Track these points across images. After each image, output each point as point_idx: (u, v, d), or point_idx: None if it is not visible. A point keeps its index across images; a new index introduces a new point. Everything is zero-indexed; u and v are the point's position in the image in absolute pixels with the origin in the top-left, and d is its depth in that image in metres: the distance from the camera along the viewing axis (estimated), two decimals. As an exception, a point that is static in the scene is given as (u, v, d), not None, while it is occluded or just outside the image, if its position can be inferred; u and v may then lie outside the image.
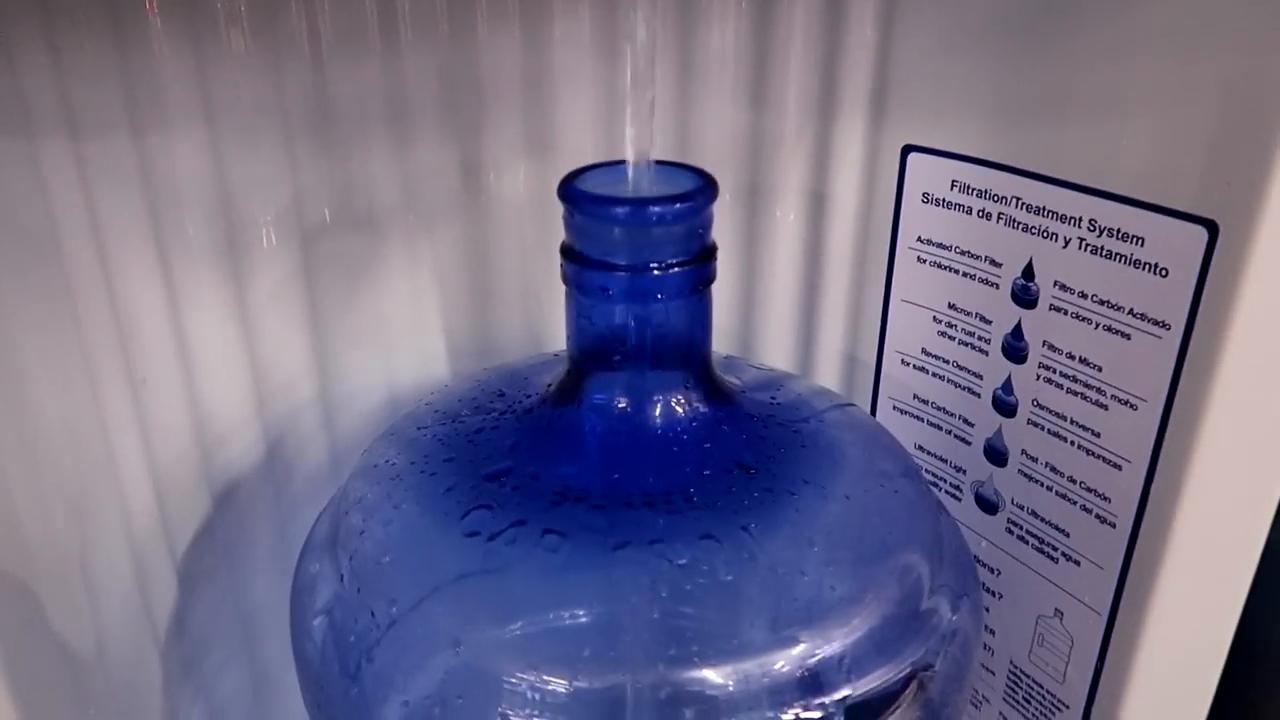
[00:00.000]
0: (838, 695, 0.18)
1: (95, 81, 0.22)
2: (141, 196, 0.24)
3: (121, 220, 0.23)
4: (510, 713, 0.18)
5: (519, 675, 0.18)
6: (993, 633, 0.30)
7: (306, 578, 0.22)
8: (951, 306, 0.29)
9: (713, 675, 0.18)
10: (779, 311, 0.33)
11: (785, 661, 0.18)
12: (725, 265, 0.31)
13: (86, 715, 0.22)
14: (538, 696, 0.18)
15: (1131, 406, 0.24)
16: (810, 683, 0.18)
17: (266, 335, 0.28)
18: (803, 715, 0.18)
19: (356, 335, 0.30)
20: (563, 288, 0.23)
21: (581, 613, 0.18)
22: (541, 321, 0.33)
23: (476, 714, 0.18)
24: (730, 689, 0.18)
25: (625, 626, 0.18)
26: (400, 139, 0.28)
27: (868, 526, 0.21)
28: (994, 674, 0.31)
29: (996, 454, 0.29)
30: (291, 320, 0.28)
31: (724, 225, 0.32)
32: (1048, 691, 0.29)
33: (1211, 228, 0.22)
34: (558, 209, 0.30)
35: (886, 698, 0.19)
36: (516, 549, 0.19)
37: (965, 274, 0.28)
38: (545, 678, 0.18)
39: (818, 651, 0.18)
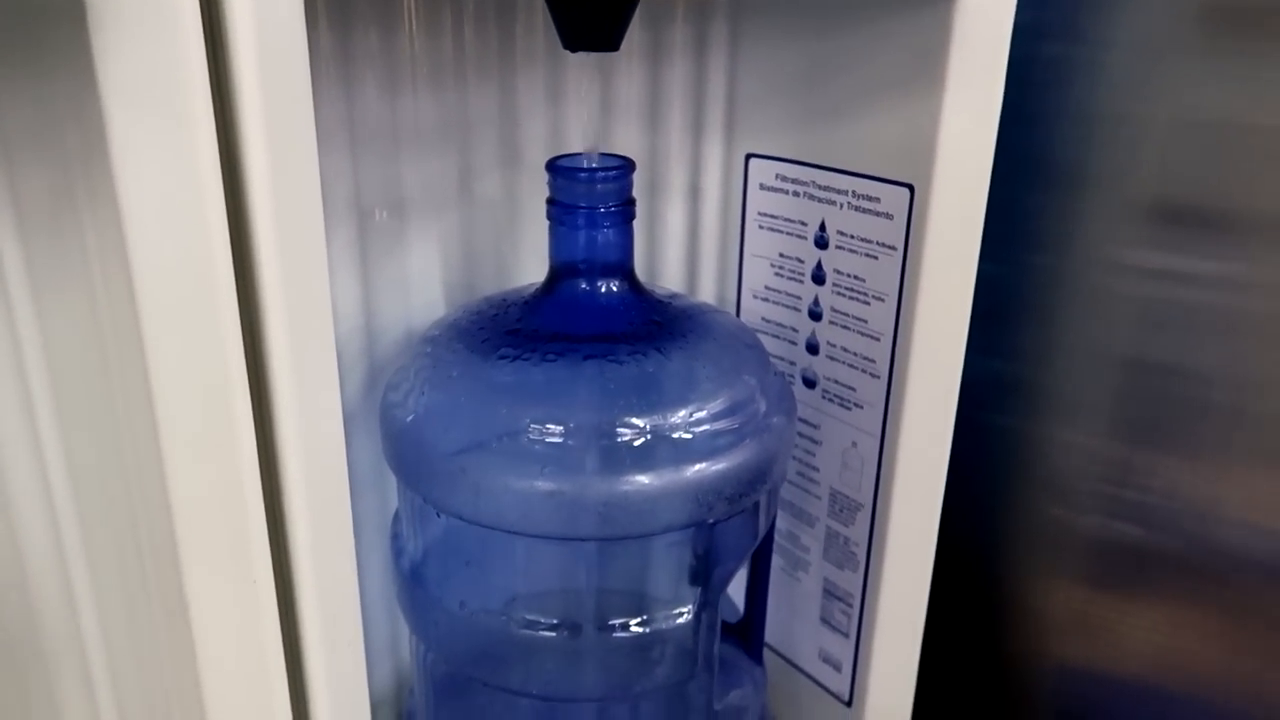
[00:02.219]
0: (705, 429, 0.34)
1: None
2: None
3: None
4: (533, 439, 0.32)
5: (535, 425, 0.33)
6: (817, 469, 0.46)
7: (392, 404, 0.36)
8: (781, 255, 0.45)
9: (639, 419, 0.33)
10: (671, 267, 0.49)
11: (679, 412, 0.33)
12: (636, 240, 0.46)
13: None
14: (547, 430, 0.32)
15: (882, 300, 0.41)
16: (691, 423, 0.33)
17: (336, 279, 0.42)
18: (684, 436, 0.33)
19: (388, 288, 0.44)
20: (525, 256, 0.38)
21: (568, 389, 0.33)
22: (510, 279, 0.48)
23: (514, 445, 0.33)
24: (649, 425, 0.33)
25: (594, 394, 0.33)
26: (417, 154, 0.43)
27: (726, 356, 0.37)
28: (820, 499, 0.46)
29: (812, 348, 0.45)
30: (349, 273, 0.43)
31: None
32: (851, 499, 0.45)
33: (911, 189, 0.38)
34: (524, 204, 0.46)
35: (734, 438, 0.35)
36: (530, 362, 0.34)
37: (787, 233, 0.44)
38: (548, 424, 0.33)
39: (696, 410, 0.34)
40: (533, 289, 0.38)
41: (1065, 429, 0.50)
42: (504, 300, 0.38)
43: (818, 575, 0.48)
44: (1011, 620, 0.55)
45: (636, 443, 0.32)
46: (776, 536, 0.48)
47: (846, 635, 0.47)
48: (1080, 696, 0.53)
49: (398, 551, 0.38)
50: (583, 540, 0.33)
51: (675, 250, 0.49)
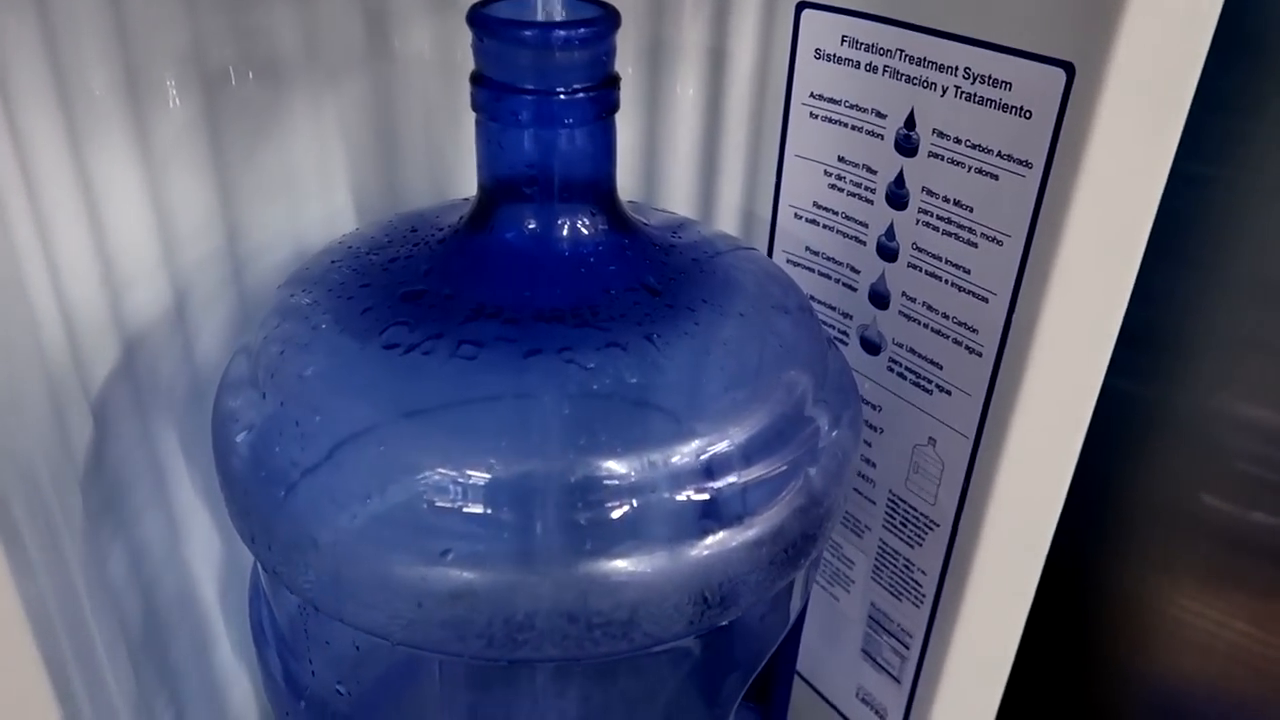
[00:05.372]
0: (728, 483, 0.20)
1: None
2: (39, 32, 0.23)
3: (20, 56, 0.23)
4: (435, 500, 0.19)
5: (440, 470, 0.19)
6: (873, 465, 0.33)
7: (226, 407, 0.23)
8: (841, 159, 0.30)
9: (617, 464, 0.19)
10: (679, 169, 0.34)
11: (682, 453, 0.20)
12: (627, 124, 0.32)
13: (19, 549, 0.23)
14: (458, 486, 0.19)
15: (998, 243, 0.27)
16: (704, 471, 0.20)
17: (171, 183, 0.28)
18: (696, 499, 0.20)
19: (262, 189, 0.30)
20: (468, 144, 0.24)
21: (497, 411, 0.20)
22: (447, 179, 0.33)
23: (403, 505, 0.19)
24: (633, 476, 0.19)
25: (537, 421, 0.19)
26: (299, -12, 0.28)
27: (759, 342, 0.23)
28: (874, 503, 0.33)
29: (879, 298, 0.31)
30: (196, 171, 0.28)
31: (626, 87, 0.33)
32: (921, 514, 0.32)
33: (1069, 69, 0.24)
34: (463, 66, 0.31)
35: (772, 489, 0.21)
36: (434, 359, 0.20)
37: (854, 127, 0.30)
38: (464, 470, 0.19)
39: (711, 445, 0.20)
40: (458, 215, 0.24)
41: (1218, 396, 0.36)
42: (412, 231, 0.24)
43: (862, 598, 0.35)
44: (1113, 627, 0.43)
45: (613, 510, 0.19)
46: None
47: (898, 680, 0.35)
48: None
49: (255, 620, 0.25)
50: (515, 664, 0.20)
51: (684, 144, 0.34)
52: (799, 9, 0.30)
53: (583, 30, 0.20)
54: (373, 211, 0.32)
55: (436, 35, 0.31)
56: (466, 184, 0.33)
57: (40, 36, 0.24)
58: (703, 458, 0.20)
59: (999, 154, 0.26)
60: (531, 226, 0.22)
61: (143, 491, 0.29)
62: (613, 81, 0.21)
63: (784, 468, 0.21)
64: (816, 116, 0.31)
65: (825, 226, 0.32)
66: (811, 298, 0.33)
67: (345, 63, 0.30)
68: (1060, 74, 0.24)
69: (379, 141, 0.32)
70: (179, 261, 0.29)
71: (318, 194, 0.31)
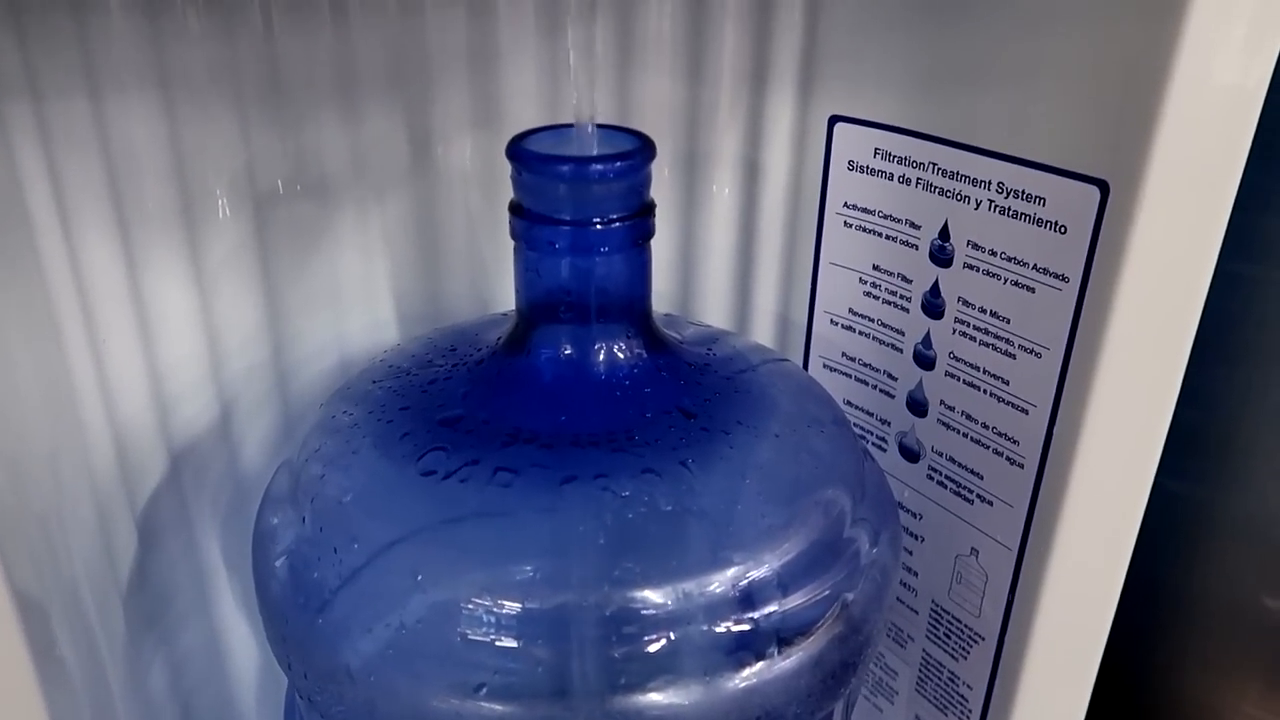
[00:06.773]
0: (766, 612, 0.20)
1: (54, 46, 0.23)
2: (100, 161, 0.24)
3: (81, 184, 0.24)
4: (469, 633, 0.19)
5: (475, 600, 0.19)
6: (915, 574, 0.32)
7: (267, 525, 0.23)
8: (876, 268, 0.31)
9: (653, 594, 0.19)
10: (715, 275, 0.34)
11: (719, 582, 0.20)
12: (663, 230, 0.32)
13: (54, 662, 0.23)
14: (493, 618, 0.19)
15: (1036, 355, 0.26)
16: (742, 601, 0.20)
17: (221, 299, 0.29)
18: (734, 629, 0.19)
19: (309, 301, 0.31)
20: (509, 255, 0.25)
21: (532, 540, 0.20)
22: (488, 288, 0.34)
23: (437, 637, 0.19)
24: (669, 606, 0.19)
25: (573, 552, 0.19)
26: (350, 109, 0.29)
27: (796, 463, 0.23)
28: (917, 613, 0.33)
29: (917, 405, 0.31)
30: (245, 286, 0.29)
31: (662, 192, 0.33)
32: (966, 625, 0.31)
33: (1104, 187, 0.24)
34: (504, 179, 0.32)
35: (811, 616, 0.21)
36: (470, 486, 0.20)
37: (888, 236, 0.30)
38: (499, 601, 0.19)
39: (749, 573, 0.20)
40: (497, 333, 0.25)
41: (1275, 496, 0.35)
42: (451, 350, 0.25)
43: (906, 709, 0.34)
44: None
45: (649, 644, 0.19)
46: (850, 651, 0.35)
47: (945, 797, 0.34)
48: None
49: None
50: (550, 800, 0.20)
51: (719, 249, 0.34)
52: (832, 122, 0.30)
53: (619, 164, 0.20)
54: (415, 320, 0.33)
55: (478, 150, 0.32)
56: (507, 293, 0.33)
57: (101, 165, 0.25)
58: (739, 586, 0.20)
59: (1035, 267, 0.26)
60: (568, 351, 0.22)
61: (185, 602, 0.29)
62: (648, 210, 0.22)
63: (825, 592, 0.21)
64: (850, 225, 0.31)
65: (861, 333, 0.32)
66: (848, 403, 0.33)
67: (390, 178, 0.31)
68: (1095, 191, 0.24)
69: (422, 253, 0.32)
70: (226, 374, 0.29)
71: (362, 305, 0.32)
